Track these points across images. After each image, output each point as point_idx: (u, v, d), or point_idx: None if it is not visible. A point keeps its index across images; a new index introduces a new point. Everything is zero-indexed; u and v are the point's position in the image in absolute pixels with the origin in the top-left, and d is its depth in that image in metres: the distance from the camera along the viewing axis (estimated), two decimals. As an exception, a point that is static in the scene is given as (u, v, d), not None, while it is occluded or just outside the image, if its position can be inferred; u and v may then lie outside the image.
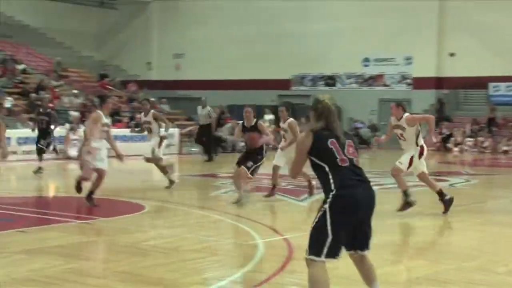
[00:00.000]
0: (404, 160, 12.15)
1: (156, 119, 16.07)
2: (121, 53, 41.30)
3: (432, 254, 9.38)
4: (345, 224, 5.54)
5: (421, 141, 12.33)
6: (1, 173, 11.06)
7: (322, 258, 5.48)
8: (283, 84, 36.99)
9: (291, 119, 14.10)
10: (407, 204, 12.03)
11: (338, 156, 5.56)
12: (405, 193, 12.07)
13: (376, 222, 10.80)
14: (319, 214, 5.56)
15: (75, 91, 31.39)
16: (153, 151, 15.54)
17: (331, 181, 5.52)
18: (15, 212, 12.45)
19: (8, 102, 26.32)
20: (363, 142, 34.21)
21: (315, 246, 5.52)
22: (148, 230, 10.90)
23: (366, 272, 5.80)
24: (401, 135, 12.28)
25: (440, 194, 12.24)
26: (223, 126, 29.70)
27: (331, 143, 5.58)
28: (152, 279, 7.53)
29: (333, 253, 5.50)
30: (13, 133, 23.01)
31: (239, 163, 13.08)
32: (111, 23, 42.27)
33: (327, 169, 5.57)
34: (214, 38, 38.06)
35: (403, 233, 11.62)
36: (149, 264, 8.33)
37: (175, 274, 7.92)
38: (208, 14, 38.54)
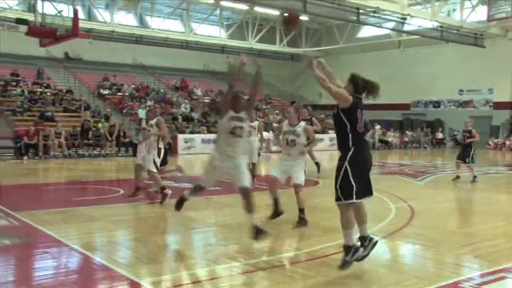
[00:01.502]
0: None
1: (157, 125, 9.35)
2: (303, 88, 41.61)
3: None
4: (361, 175, 4.92)
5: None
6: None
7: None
8: (405, 106, 36.00)
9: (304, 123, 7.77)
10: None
11: (359, 124, 4.91)
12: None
13: (469, 195, 10.23)
14: (342, 172, 4.87)
15: (276, 111, 32.22)
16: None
17: (350, 140, 4.88)
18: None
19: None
20: (458, 144, 32.73)
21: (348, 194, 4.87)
22: (316, 198, 9.85)
23: (362, 217, 5.16)
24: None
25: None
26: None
27: (359, 113, 4.93)
28: (326, 227, 7.30)
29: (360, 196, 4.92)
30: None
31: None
32: (297, 69, 42.65)
33: (348, 129, 4.90)
34: (364, 76, 37.17)
35: (490, 204, 10.05)
36: (326, 216, 8.01)
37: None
38: (356, 63, 36.31)
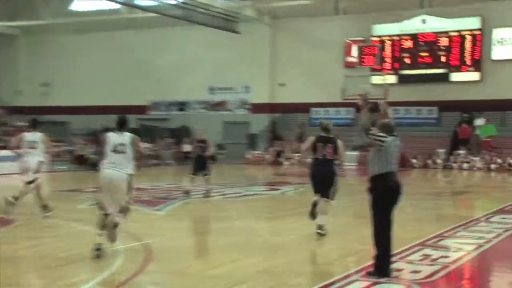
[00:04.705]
0: None
1: None
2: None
3: (268, 251, 7.24)
4: None
5: None
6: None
7: None
8: (141, 109, 28.87)
9: None
10: None
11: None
12: None
13: (223, 225, 9.25)
14: None
15: None
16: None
17: None
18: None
19: None
20: (211, 158, 26.52)
21: None
22: (18, 241, 7.66)
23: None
24: None
25: None
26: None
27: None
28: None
29: None
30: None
31: None
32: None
33: None
34: (78, 67, 29.46)
35: (246, 234, 8.35)
36: (17, 272, 6.01)
37: (44, 279, 5.88)
38: (73, 47, 29.74)
